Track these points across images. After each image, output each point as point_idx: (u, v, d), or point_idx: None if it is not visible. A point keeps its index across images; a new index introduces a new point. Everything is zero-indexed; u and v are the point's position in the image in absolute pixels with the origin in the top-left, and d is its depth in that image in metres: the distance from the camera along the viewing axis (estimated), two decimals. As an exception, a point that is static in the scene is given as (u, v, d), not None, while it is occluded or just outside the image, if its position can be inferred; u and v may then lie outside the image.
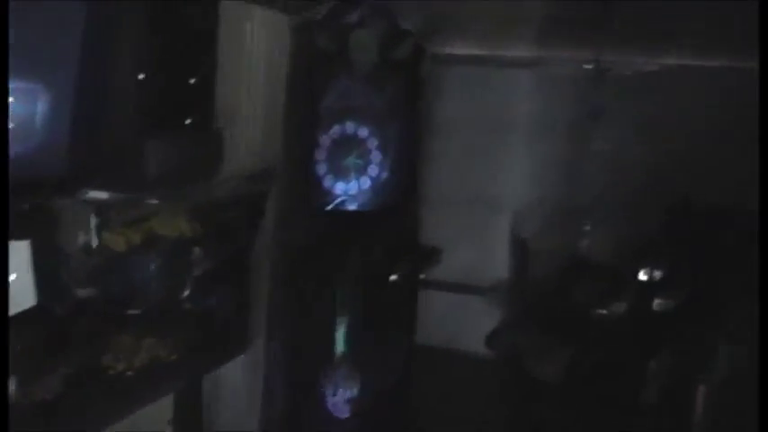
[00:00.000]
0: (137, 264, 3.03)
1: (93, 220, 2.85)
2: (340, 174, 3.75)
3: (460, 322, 4.19)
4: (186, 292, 3.30)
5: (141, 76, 2.79)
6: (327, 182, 3.75)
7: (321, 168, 3.75)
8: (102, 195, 2.76)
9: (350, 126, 3.75)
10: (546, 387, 3.90)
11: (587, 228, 4.11)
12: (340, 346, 3.75)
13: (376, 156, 3.77)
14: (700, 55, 4.02)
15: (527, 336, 4.05)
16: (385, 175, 3.79)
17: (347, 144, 3.75)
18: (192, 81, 3.06)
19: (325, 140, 3.74)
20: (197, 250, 3.33)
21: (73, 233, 2.83)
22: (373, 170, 3.77)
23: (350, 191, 3.77)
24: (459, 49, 4.03)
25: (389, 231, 3.82)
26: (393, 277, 3.81)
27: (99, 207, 2.83)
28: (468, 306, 4.23)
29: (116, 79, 2.78)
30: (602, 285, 3.99)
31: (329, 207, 3.76)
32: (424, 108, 3.83)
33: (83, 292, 2.85)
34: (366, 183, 3.78)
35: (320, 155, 3.74)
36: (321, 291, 3.77)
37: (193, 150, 3.11)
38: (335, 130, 3.74)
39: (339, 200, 3.76)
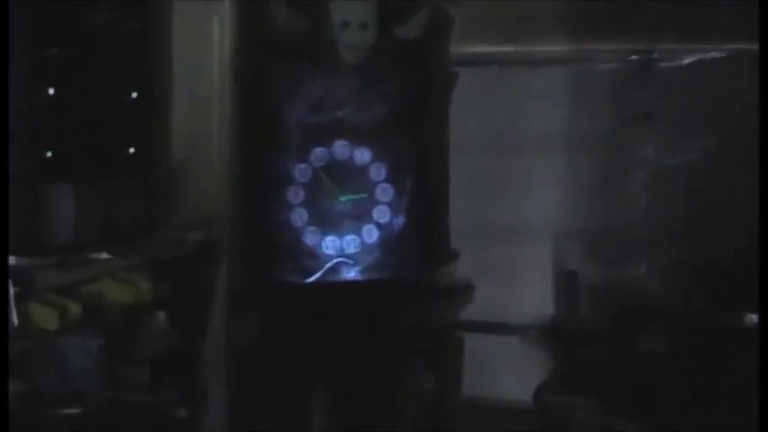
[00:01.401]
0: (77, 344, 2.26)
1: (12, 290, 2.03)
2: (329, 223, 2.39)
3: (494, 367, 3.35)
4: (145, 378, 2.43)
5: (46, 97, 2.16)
6: (310, 237, 2.37)
7: (298, 216, 2.37)
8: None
9: (341, 147, 2.39)
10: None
11: (646, 257, 3.34)
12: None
13: (385, 191, 2.42)
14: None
15: (582, 400, 3.05)
16: (400, 220, 2.43)
17: (338, 176, 2.39)
18: (127, 102, 2.37)
19: (302, 172, 2.37)
20: (161, 317, 2.46)
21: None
22: (382, 214, 2.42)
23: (347, 249, 2.40)
24: (475, 47, 3.07)
25: (409, 309, 2.43)
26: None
27: (18, 270, 2.06)
28: (501, 348, 3.37)
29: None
30: (671, 332, 3.12)
31: (315, 276, 2.37)
32: (448, 113, 2.48)
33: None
34: (372, 234, 2.41)
35: (295, 195, 2.37)
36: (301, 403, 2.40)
37: (133, 197, 2.43)
38: (318, 155, 2.38)
39: (330, 264, 2.38)
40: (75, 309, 2.26)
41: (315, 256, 2.38)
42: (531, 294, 3.44)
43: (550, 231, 3.44)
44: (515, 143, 3.34)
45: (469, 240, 2.91)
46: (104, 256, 2.49)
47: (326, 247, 2.38)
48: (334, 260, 2.38)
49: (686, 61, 3.25)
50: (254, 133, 2.38)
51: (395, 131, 2.42)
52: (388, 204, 2.42)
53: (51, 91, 2.30)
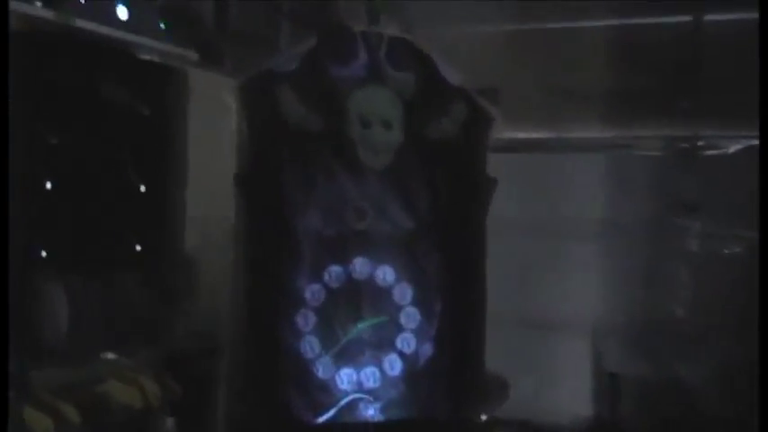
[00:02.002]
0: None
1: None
2: (345, 354, 2.04)
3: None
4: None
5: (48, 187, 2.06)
6: (323, 369, 2.03)
7: (310, 346, 2.02)
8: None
9: (360, 266, 2.05)
10: None
11: (691, 354, 3.15)
12: None
13: (411, 317, 2.09)
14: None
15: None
16: (427, 350, 2.10)
17: (356, 298, 2.05)
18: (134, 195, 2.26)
19: (314, 294, 2.02)
20: (169, 423, 2.34)
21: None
22: (407, 342, 2.08)
23: (365, 383, 2.06)
24: (515, 132, 3.02)
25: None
26: None
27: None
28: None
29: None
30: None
31: (328, 414, 2.03)
32: (485, 224, 2.14)
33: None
34: (395, 366, 2.08)
35: (306, 321, 2.02)
36: None
37: (141, 294, 2.32)
38: (333, 274, 2.04)
39: (346, 400, 2.05)
40: (72, 414, 2.06)
41: (328, 390, 2.03)
42: (568, 393, 3.26)
43: (589, 325, 3.29)
44: (554, 231, 3.20)
45: (504, 333, 2.64)
46: (110, 355, 2.28)
47: (342, 382, 2.04)
48: (351, 396, 2.04)
49: (731, 150, 3.08)
50: (262, 244, 2.04)
51: (423, 247, 2.08)
52: (414, 331, 2.08)
53: (49, 185, 2.06)
